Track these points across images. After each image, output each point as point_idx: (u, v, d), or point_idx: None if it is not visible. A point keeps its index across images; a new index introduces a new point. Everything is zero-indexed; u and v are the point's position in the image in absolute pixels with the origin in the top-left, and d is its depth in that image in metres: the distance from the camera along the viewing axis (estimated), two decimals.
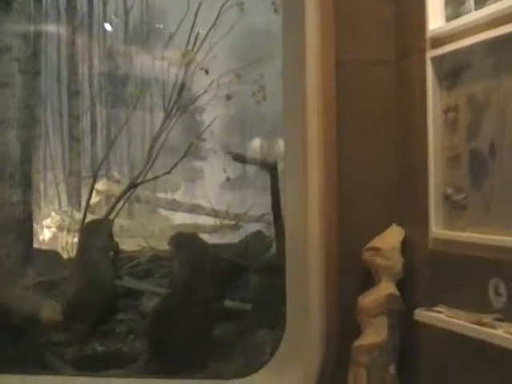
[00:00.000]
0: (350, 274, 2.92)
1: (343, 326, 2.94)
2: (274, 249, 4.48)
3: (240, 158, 4.67)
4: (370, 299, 2.82)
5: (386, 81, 2.92)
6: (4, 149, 5.74)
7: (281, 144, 5.82)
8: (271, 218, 6.94)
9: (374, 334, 2.80)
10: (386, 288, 2.82)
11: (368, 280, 2.90)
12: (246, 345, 4.29)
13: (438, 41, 2.54)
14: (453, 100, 2.50)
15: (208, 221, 7.11)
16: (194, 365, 4.07)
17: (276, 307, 4.38)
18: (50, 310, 4.49)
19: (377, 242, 2.86)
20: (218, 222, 7.08)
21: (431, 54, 2.56)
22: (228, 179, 6.44)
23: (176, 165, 6.00)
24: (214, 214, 7.07)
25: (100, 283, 5.21)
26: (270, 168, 4.43)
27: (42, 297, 4.81)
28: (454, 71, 2.50)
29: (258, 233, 5.61)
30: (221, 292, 4.37)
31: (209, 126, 6.06)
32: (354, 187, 2.94)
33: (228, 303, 4.63)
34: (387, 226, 2.90)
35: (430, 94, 2.57)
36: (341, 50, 2.92)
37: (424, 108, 2.62)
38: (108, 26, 7.25)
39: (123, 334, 5.15)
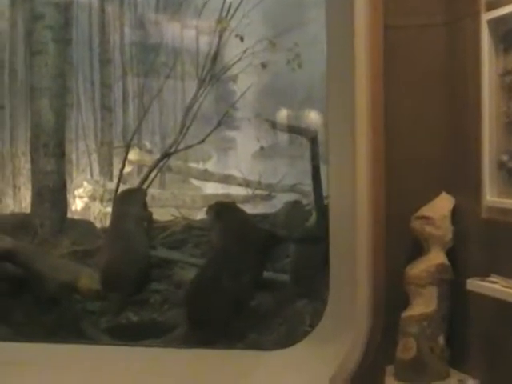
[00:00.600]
0: (398, 242, 2.86)
1: (390, 295, 2.88)
2: (313, 218, 4.41)
3: (279, 127, 4.56)
4: (419, 269, 2.76)
5: (436, 45, 2.84)
6: (38, 117, 5.72)
7: (318, 111, 5.79)
8: (303, 187, 6.93)
9: (424, 304, 2.74)
10: (436, 257, 2.75)
11: (416, 249, 2.84)
12: (284, 315, 4.25)
13: (495, 3, 2.45)
14: (510, 63, 2.42)
15: (240, 191, 7.07)
16: (232, 335, 4.05)
17: (314, 277, 4.35)
18: (87, 279, 4.47)
19: (426, 210, 2.79)
20: (250, 192, 7.02)
21: (487, 16, 2.47)
22: (262, 148, 6.38)
23: (210, 134, 5.95)
24: (246, 184, 7.02)
25: (135, 253, 5.18)
26: (311, 136, 4.36)
27: (80, 265, 4.78)
28: (511, 34, 2.41)
29: (296, 202, 5.55)
30: (260, 262, 4.32)
31: (243, 93, 5.99)
32: (402, 154, 2.86)
33: (266, 274, 4.58)
34: (436, 195, 2.83)
35: (485, 57, 2.48)
36: (389, 13, 2.83)
37: (477, 72, 2.54)
38: None
39: (158, 304, 5.14)
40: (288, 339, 3.91)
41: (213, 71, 6.02)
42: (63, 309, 4.68)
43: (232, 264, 4.15)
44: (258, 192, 7.04)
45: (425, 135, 2.86)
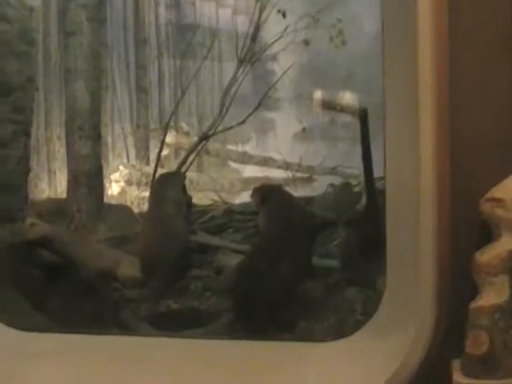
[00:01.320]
0: (465, 225, 2.64)
1: (455, 282, 2.67)
2: (363, 201, 4.17)
3: (326, 105, 4.28)
4: (490, 256, 2.53)
5: (507, 8, 2.59)
6: (72, 100, 5.55)
7: (363, 90, 5.55)
8: (345, 170, 6.71)
9: (495, 294, 2.51)
10: (508, 243, 2.52)
11: (485, 233, 2.61)
12: (334, 304, 4.04)
13: None
14: None
15: (280, 174, 6.87)
16: (280, 325, 3.85)
17: (365, 263, 4.14)
18: (129, 267, 4.28)
19: (497, 191, 2.55)
20: (290, 174, 6.83)
21: None
22: (304, 130, 6.17)
23: (251, 114, 5.76)
24: (286, 166, 6.83)
25: (175, 238, 5.01)
26: (361, 114, 4.12)
27: (119, 252, 4.59)
28: None
29: (345, 185, 5.32)
30: (309, 247, 4.11)
31: (285, 72, 5.78)
32: (469, 130, 2.64)
33: (314, 260, 4.36)
34: (507, 174, 2.60)
35: None
36: None
37: None
38: None
39: (199, 291, 4.97)
40: (339, 329, 3.72)
41: (252, 50, 5.80)
42: (101, 297, 4.52)
43: (280, 249, 3.94)
44: (299, 175, 6.83)
45: (494, 109, 2.63)
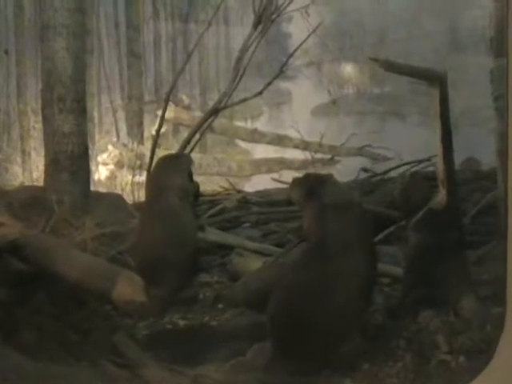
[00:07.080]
0: None
1: None
2: (440, 196, 3.12)
3: (394, 68, 3.21)
4: None
5: None
6: (51, 63, 4.47)
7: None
8: (374, 150, 5.81)
9: None
10: None
11: None
12: (405, 335, 3.01)
13: None
14: None
15: (297, 154, 5.98)
16: (339, 366, 2.84)
17: (442, 278, 3.17)
18: (129, 287, 3.19)
19: None
20: (308, 155, 5.95)
21: None
22: (334, 102, 5.22)
23: (269, 84, 4.81)
24: (304, 146, 5.95)
25: (181, 235, 3.99)
26: (439, 80, 3.05)
27: (117, 267, 3.50)
28: None
29: (415, 174, 4.27)
30: (373, 257, 3.07)
31: (311, 33, 4.79)
32: None
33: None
34: None
35: None
36: None
37: None
38: None
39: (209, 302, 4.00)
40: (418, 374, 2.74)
41: (269, 10, 4.82)
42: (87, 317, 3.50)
43: (337, 260, 2.90)
44: (319, 156, 5.94)
45: None
